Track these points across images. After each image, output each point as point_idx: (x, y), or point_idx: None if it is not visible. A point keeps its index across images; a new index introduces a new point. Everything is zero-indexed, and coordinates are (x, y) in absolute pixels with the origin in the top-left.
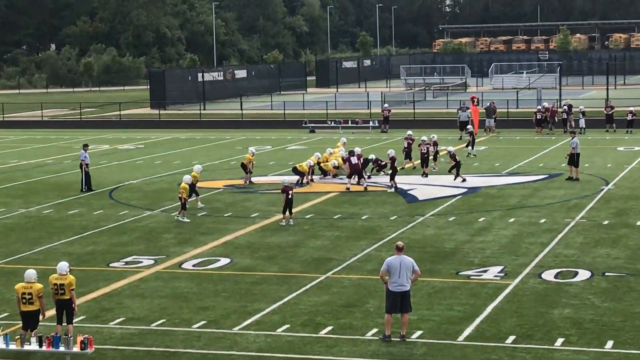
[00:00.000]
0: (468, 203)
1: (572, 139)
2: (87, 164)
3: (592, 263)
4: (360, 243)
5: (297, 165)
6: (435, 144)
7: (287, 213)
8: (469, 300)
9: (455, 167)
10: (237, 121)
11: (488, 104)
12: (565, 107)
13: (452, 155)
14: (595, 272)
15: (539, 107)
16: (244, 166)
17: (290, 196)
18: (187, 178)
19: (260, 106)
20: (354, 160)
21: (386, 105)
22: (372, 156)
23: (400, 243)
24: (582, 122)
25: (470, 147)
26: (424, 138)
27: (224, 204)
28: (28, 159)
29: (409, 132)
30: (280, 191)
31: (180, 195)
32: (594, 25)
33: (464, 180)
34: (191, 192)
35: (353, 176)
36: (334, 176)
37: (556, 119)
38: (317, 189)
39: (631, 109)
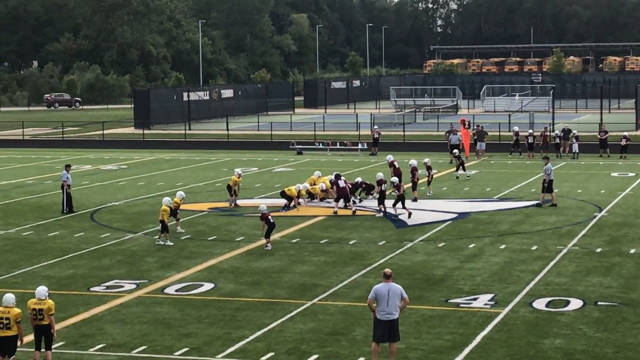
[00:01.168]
0: (458, 229)
1: (546, 164)
2: (68, 185)
3: (585, 292)
4: (347, 269)
5: (285, 189)
6: (429, 168)
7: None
8: (458, 329)
9: (400, 199)
10: (223, 142)
11: (479, 128)
12: (557, 132)
13: (397, 186)
14: (588, 301)
15: (515, 129)
16: (229, 188)
17: (272, 220)
18: (167, 200)
19: (246, 127)
20: (341, 183)
21: (376, 127)
22: (358, 179)
23: (388, 270)
24: (575, 147)
25: (461, 171)
26: (413, 162)
27: (208, 227)
28: (8, 179)
29: (389, 156)
30: (260, 219)
31: (161, 218)
32: (588, 47)
33: (409, 214)
34: (171, 216)
35: (340, 200)
36: (322, 200)
37: (549, 143)
38: (303, 212)
39: (625, 133)
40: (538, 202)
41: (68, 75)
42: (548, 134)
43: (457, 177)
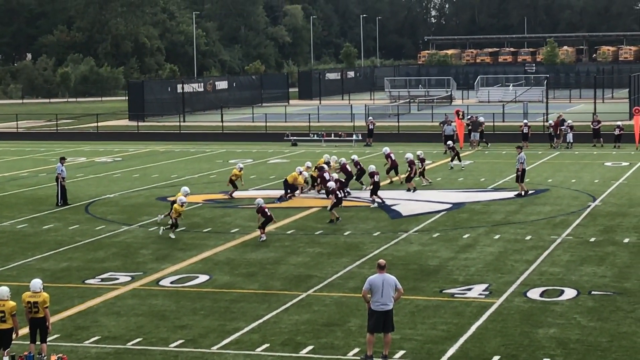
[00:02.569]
0: (453, 219)
1: (519, 154)
2: (63, 178)
3: (579, 281)
4: (342, 260)
5: (287, 177)
6: (422, 160)
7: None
8: (452, 319)
9: (337, 204)
10: (218, 133)
11: (474, 118)
12: (551, 122)
13: (332, 191)
14: (582, 290)
15: (481, 119)
16: (232, 182)
17: (269, 214)
18: (182, 199)
19: (241, 118)
20: (327, 175)
21: (370, 118)
22: (354, 157)
23: (382, 261)
24: (569, 137)
25: (456, 161)
26: (409, 155)
27: (203, 219)
28: (2, 171)
29: (386, 148)
30: (256, 212)
31: (175, 215)
32: (582, 37)
33: (377, 201)
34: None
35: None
36: (318, 191)
37: (558, 132)
38: (298, 204)
39: (619, 123)
40: (519, 192)
41: (62, 68)
42: (559, 122)
43: (452, 168)
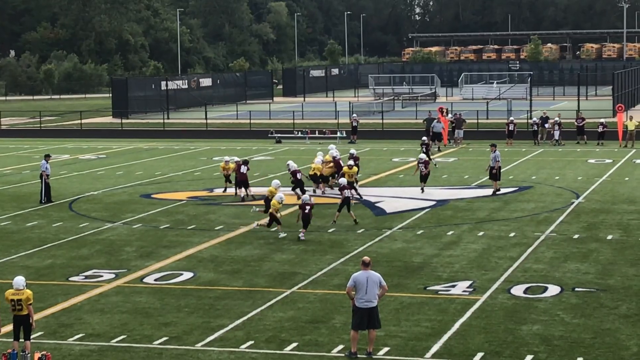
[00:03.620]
0: (437, 216)
1: (494, 152)
2: (47, 175)
3: (562, 278)
4: (326, 257)
5: (312, 172)
6: (356, 159)
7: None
8: (437, 316)
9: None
10: (202, 131)
11: (458, 115)
12: (535, 119)
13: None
14: (565, 287)
15: (511, 118)
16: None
17: (307, 211)
18: (279, 197)
19: (225, 115)
20: (243, 169)
21: (354, 115)
22: (352, 151)
23: (366, 258)
24: (556, 134)
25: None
26: (422, 156)
27: (187, 216)
28: None
29: (331, 145)
30: (299, 207)
31: (273, 212)
32: (566, 35)
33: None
34: (268, 206)
35: (240, 186)
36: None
37: (553, 130)
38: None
39: (602, 120)
40: (494, 190)
41: (45, 65)
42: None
43: (436, 165)
